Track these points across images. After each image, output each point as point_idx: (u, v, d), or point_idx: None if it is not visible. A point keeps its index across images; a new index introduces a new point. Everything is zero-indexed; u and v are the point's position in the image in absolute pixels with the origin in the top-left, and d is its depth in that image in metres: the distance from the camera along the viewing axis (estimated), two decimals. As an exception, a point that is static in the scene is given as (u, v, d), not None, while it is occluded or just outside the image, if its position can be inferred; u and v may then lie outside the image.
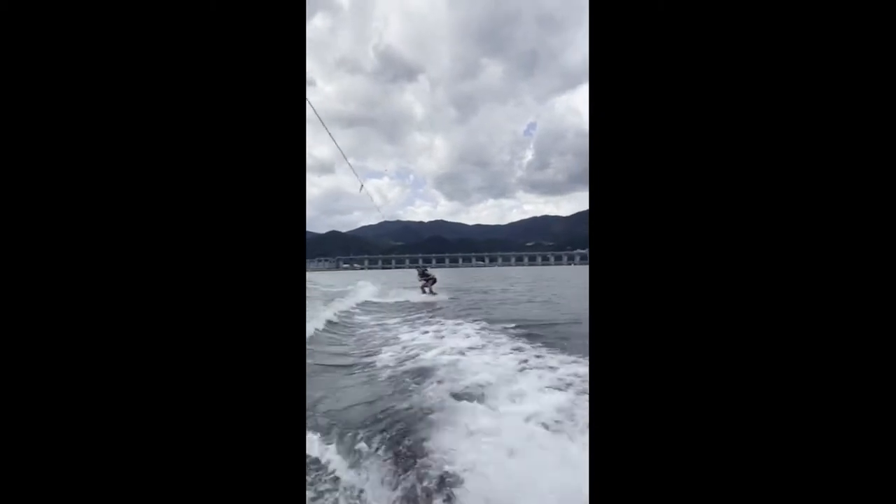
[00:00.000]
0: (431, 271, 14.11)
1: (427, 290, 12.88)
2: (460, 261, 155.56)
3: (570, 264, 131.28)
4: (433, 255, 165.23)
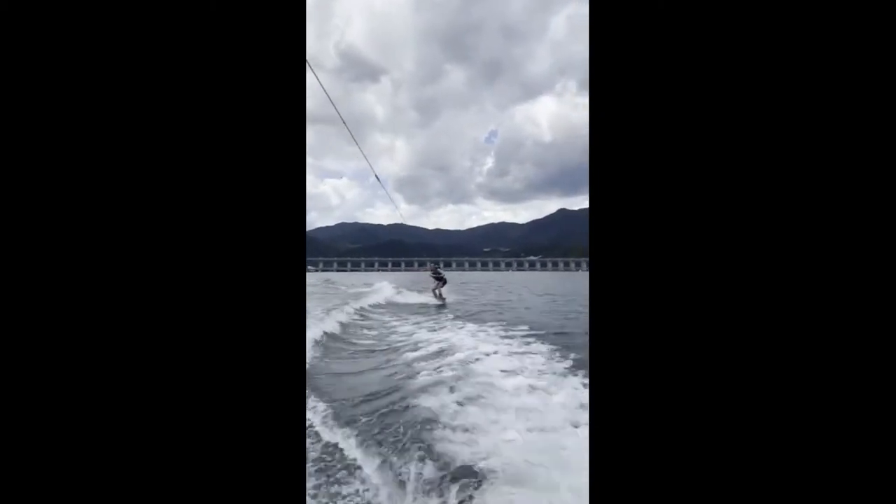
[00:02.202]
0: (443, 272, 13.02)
1: (437, 291, 12.24)
2: (416, 265, 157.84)
3: (519, 271, 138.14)
4: (389, 258, 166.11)
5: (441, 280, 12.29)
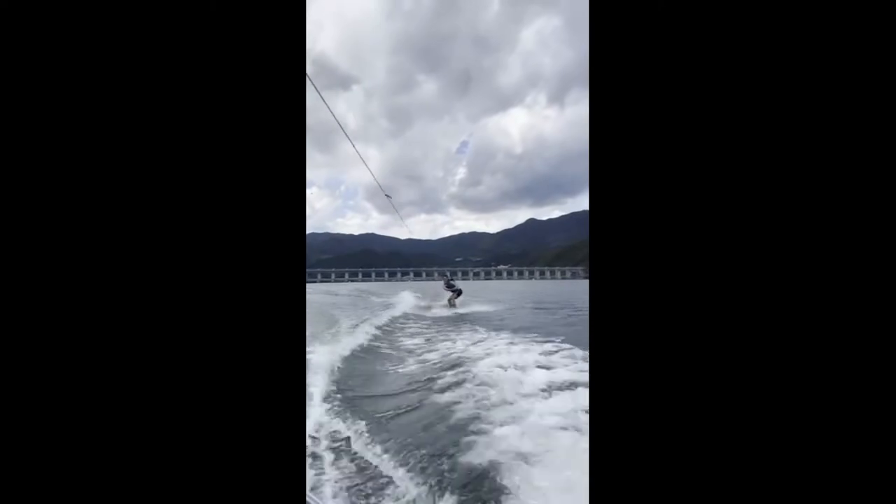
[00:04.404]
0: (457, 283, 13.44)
1: (453, 302, 12.55)
2: (386, 275, 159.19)
3: (487, 279, 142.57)
4: (360, 269, 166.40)
5: (455, 291, 12.65)
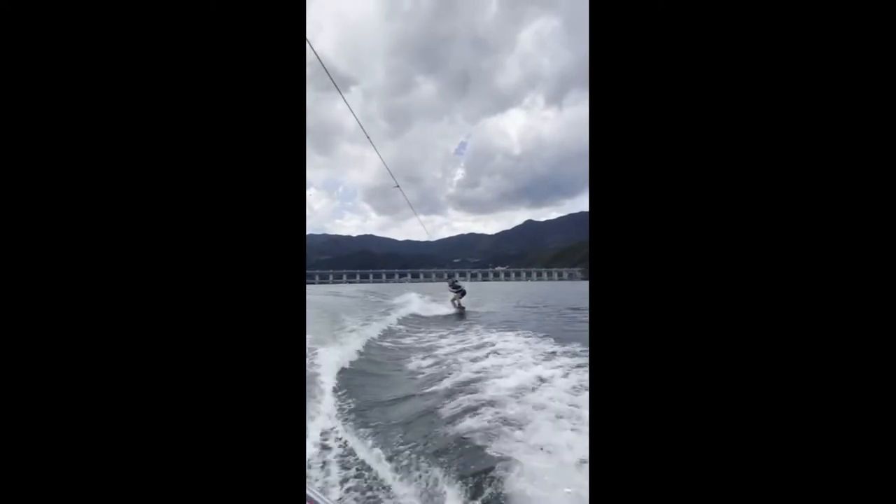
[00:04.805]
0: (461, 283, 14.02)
1: (457, 302, 12.90)
2: (384, 276, 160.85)
3: (485, 280, 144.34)
4: (358, 270, 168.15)
5: (460, 291, 13.21)
